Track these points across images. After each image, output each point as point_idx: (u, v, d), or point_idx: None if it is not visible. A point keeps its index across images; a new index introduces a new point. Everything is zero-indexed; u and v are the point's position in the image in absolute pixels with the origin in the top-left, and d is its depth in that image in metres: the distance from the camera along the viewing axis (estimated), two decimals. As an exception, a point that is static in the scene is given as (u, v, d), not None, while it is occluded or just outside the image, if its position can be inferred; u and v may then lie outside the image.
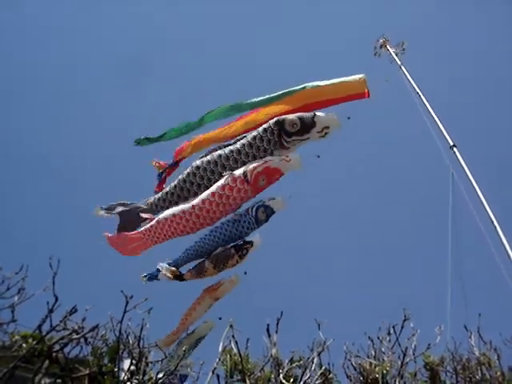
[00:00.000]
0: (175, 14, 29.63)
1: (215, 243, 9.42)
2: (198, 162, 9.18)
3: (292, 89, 9.76)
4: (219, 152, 9.22)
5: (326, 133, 8.82)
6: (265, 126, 9.02)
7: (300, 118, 9.01)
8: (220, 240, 9.48)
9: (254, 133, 9.10)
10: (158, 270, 9.09)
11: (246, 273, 10.49)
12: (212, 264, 9.14)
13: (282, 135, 8.91)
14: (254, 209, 9.45)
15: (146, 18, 29.47)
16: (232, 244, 9.45)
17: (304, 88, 9.65)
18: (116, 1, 29.66)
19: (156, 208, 9.31)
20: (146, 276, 9.27)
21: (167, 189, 9.33)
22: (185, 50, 30.23)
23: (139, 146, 10.05)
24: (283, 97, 9.78)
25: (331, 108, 9.36)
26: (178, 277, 9.14)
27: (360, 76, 9.34)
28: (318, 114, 8.90)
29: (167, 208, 9.15)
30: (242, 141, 9.21)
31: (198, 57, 29.65)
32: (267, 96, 9.88)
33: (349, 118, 9.10)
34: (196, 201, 9.16)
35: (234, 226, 9.59)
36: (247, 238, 9.67)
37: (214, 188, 9.20)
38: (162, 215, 9.32)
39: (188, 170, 9.16)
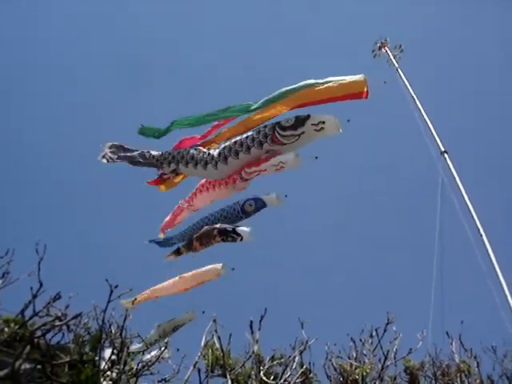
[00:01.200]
0: (175, 14, 29.56)
1: (205, 224, 10.25)
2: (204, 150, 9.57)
3: (291, 87, 9.75)
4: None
5: (321, 127, 8.88)
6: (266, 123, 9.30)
7: (295, 116, 9.14)
8: (210, 222, 10.23)
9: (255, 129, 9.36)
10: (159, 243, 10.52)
11: (233, 269, 10.65)
12: (198, 243, 10.10)
13: (276, 129, 9.03)
14: (242, 201, 9.80)
15: (146, 18, 29.45)
16: (218, 226, 9.96)
17: (303, 87, 9.65)
18: (116, 1, 29.57)
19: (161, 160, 9.73)
20: (152, 240, 10.74)
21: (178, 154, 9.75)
22: (184, 50, 30.27)
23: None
24: (282, 98, 9.79)
25: (329, 111, 9.44)
26: (176, 252, 11.02)
27: (360, 76, 9.35)
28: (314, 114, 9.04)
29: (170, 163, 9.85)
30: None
31: (198, 57, 29.74)
32: (264, 99, 9.91)
33: (348, 120, 9.14)
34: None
35: (224, 211, 10.13)
36: (239, 229, 9.85)
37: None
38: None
39: (196, 152, 9.51)
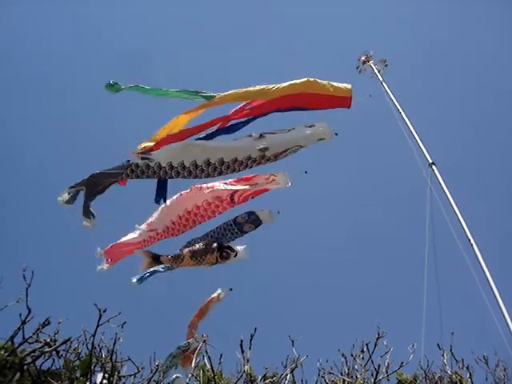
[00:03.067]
0: (175, 13, 29.73)
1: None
2: (188, 161, 9.08)
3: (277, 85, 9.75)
4: (202, 157, 9.14)
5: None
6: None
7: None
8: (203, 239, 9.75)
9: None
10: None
11: (231, 289, 10.56)
12: (190, 253, 9.35)
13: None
14: (234, 216, 9.69)
15: (146, 17, 29.58)
16: (216, 242, 9.62)
17: (287, 85, 9.68)
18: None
19: (131, 174, 9.06)
20: (138, 280, 9.58)
21: (151, 164, 9.08)
22: (185, 48, 30.41)
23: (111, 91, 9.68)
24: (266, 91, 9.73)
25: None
26: (155, 259, 9.47)
27: (347, 84, 9.48)
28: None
29: (142, 177, 9.13)
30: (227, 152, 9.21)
31: (198, 56, 29.84)
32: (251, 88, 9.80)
33: (336, 134, 9.22)
34: (181, 212, 9.42)
35: (216, 229, 9.82)
36: (234, 246, 9.81)
37: (200, 200, 9.43)
38: (152, 226, 9.54)
39: (179, 161, 9.07)
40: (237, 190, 9.56)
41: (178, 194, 9.85)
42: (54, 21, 28.77)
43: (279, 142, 9.01)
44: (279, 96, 9.57)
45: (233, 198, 9.58)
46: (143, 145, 9.51)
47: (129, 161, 9.05)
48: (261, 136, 9.05)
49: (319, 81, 9.54)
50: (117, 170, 9.01)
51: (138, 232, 9.87)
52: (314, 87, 9.50)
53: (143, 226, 9.87)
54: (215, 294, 10.61)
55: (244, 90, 9.64)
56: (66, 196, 8.85)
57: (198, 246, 9.53)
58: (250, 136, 9.13)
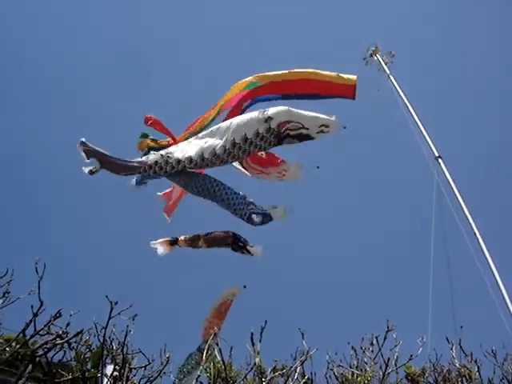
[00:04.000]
0: (175, 13, 29.69)
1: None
2: (206, 152, 9.12)
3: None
4: (217, 144, 9.15)
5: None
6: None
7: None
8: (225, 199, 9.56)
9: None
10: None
11: (245, 286, 10.48)
12: (206, 244, 9.42)
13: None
14: (249, 211, 9.53)
15: (145, 17, 29.56)
16: (233, 233, 9.59)
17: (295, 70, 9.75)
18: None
19: (147, 171, 9.18)
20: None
21: (170, 160, 9.15)
22: (185, 49, 30.39)
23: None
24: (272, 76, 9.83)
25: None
26: (173, 242, 9.66)
27: (353, 75, 9.49)
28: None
29: (159, 173, 9.30)
30: (236, 133, 9.19)
31: (198, 56, 29.83)
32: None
33: (345, 127, 9.21)
34: None
35: (234, 198, 9.62)
36: (250, 247, 9.79)
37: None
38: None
39: (199, 153, 9.12)
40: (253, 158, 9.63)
41: None
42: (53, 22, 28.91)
43: (282, 113, 9.02)
44: (283, 80, 9.64)
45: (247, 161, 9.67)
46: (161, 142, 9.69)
47: (146, 156, 9.17)
48: (265, 111, 9.12)
49: (323, 71, 9.58)
50: (134, 163, 9.06)
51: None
52: (318, 75, 9.54)
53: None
54: (230, 292, 10.41)
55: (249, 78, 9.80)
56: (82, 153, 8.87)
57: (215, 235, 9.60)
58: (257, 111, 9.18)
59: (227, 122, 9.15)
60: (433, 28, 28.17)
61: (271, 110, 8.96)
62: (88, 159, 8.68)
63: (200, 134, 9.29)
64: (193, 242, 9.68)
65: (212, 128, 9.24)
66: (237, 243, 9.55)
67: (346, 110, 9.86)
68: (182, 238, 9.73)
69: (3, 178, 24.49)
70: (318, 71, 9.59)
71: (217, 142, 8.92)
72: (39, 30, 28.57)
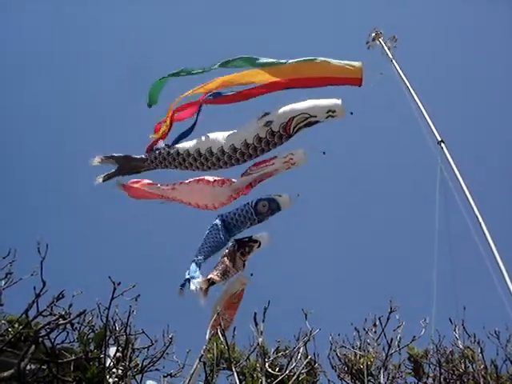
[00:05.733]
0: (187, 26, 29.45)
1: (221, 237, 9.58)
2: (203, 149, 9.32)
3: (290, 60, 9.75)
4: (227, 141, 9.28)
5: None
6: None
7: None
8: (222, 229, 9.63)
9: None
10: (188, 281, 9.25)
11: (252, 274, 10.44)
12: (231, 263, 9.38)
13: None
14: (254, 201, 9.55)
15: (157, 30, 29.34)
16: (233, 242, 9.59)
17: (300, 61, 9.67)
18: (123, 11, 29.50)
19: (153, 162, 9.59)
20: (181, 287, 9.42)
21: (171, 151, 9.54)
22: (196, 62, 30.11)
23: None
24: (278, 65, 9.73)
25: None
26: (210, 283, 9.49)
27: (357, 62, 9.40)
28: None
29: (163, 166, 9.58)
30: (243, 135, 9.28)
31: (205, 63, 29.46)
32: (265, 60, 9.82)
33: (352, 113, 9.15)
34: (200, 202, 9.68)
35: (235, 215, 9.72)
36: (255, 236, 9.76)
37: (219, 197, 9.62)
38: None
39: (195, 148, 9.32)
40: (255, 179, 9.63)
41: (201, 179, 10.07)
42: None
43: (282, 112, 9.01)
44: (289, 78, 9.58)
45: (251, 183, 9.66)
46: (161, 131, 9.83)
47: (158, 150, 9.46)
48: (265, 114, 9.10)
49: (329, 61, 9.48)
50: (148, 157, 9.50)
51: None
52: (324, 70, 9.45)
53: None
54: (239, 282, 10.29)
55: (256, 71, 9.73)
56: (96, 161, 9.46)
57: (222, 264, 9.55)
58: (255, 118, 9.21)
59: (223, 133, 9.33)
60: (437, 12, 27.89)
61: (270, 115, 8.98)
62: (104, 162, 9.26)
63: (202, 137, 9.57)
64: (224, 273, 9.60)
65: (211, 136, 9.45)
66: (241, 240, 9.57)
67: (348, 94, 9.79)
68: (214, 277, 9.58)
69: (6, 162, 24.54)
70: (324, 63, 9.48)
71: (217, 143, 9.11)
72: (50, 43, 28.50)
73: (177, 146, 9.67)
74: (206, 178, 10.04)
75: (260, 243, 9.67)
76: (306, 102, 9.17)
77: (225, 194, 9.90)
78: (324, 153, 9.09)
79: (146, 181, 10.66)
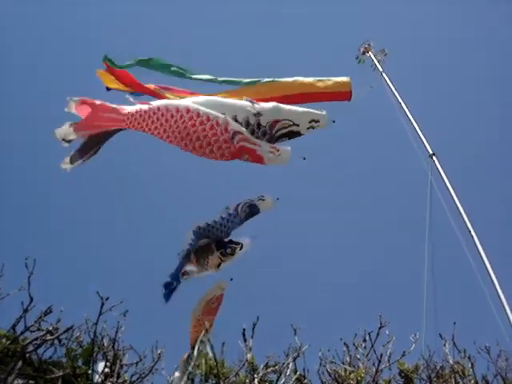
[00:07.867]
0: (183, 21, 29.58)
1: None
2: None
3: (273, 79, 9.73)
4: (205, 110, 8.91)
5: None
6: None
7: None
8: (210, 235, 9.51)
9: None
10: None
11: (231, 279, 10.37)
12: (195, 258, 9.20)
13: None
14: (235, 205, 9.49)
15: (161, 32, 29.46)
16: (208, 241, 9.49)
17: (286, 80, 9.66)
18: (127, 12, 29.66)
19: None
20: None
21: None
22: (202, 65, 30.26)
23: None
24: (262, 83, 9.70)
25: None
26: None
27: (345, 78, 9.44)
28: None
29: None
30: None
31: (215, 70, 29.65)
32: (246, 79, 9.74)
33: (334, 121, 9.14)
34: (182, 110, 8.71)
35: (223, 223, 9.62)
36: (236, 239, 9.69)
37: (201, 114, 9.00)
38: (152, 108, 8.78)
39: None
40: (241, 132, 9.16)
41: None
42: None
43: (271, 110, 8.93)
44: (276, 96, 9.56)
45: (234, 137, 9.14)
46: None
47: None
48: (254, 103, 9.01)
49: (316, 80, 9.50)
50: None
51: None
52: (312, 88, 9.48)
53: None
54: (217, 287, 10.28)
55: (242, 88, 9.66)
56: (63, 131, 7.94)
57: (200, 244, 9.43)
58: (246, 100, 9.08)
59: (217, 98, 9.06)
60: (425, 27, 28.17)
61: (260, 106, 8.88)
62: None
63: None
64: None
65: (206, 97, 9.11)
66: (222, 243, 9.47)
67: (338, 108, 9.82)
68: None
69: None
70: (310, 84, 9.50)
71: (204, 107, 8.74)
72: (52, 48, 28.55)
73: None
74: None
75: (242, 245, 9.58)
76: (292, 107, 9.14)
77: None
78: (304, 158, 9.04)
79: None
